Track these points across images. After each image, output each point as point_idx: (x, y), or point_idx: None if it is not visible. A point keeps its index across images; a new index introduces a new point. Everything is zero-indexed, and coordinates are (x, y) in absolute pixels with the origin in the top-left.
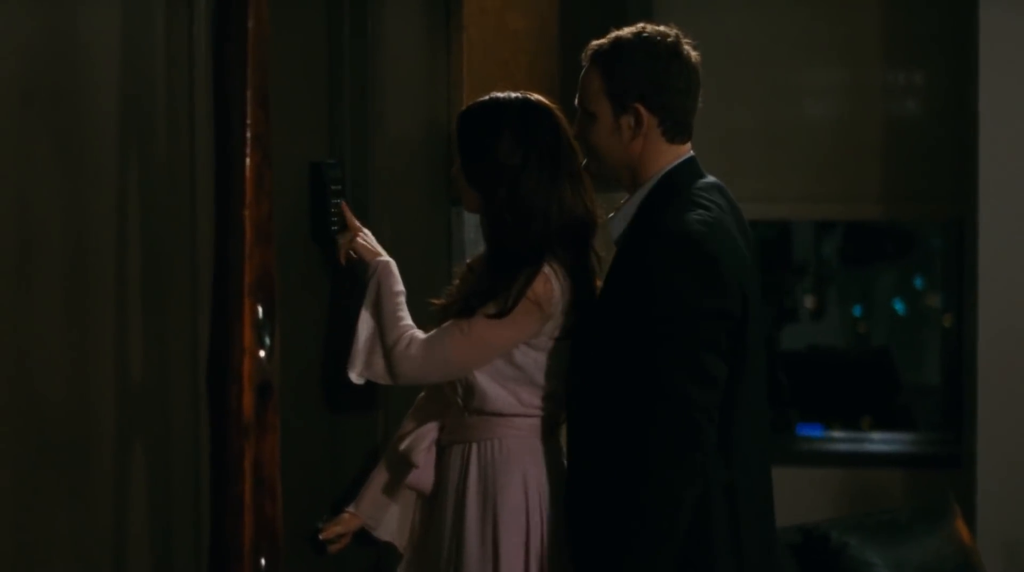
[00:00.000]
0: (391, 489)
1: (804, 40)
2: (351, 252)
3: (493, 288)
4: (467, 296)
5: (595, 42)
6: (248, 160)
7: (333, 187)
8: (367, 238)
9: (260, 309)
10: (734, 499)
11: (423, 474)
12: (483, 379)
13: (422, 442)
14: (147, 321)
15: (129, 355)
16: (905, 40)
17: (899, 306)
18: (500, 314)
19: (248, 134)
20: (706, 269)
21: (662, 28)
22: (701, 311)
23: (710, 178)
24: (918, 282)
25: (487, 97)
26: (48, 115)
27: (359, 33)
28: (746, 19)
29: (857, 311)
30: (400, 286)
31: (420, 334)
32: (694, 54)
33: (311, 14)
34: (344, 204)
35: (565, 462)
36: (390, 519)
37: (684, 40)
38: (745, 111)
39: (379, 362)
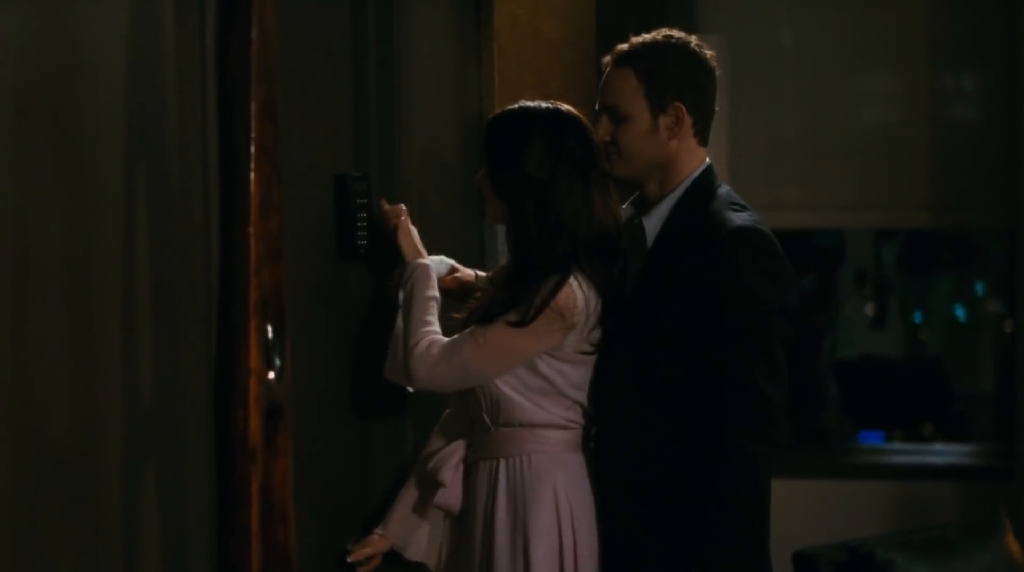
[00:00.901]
0: (420, 509)
1: (852, 46)
2: (396, 243)
3: (516, 297)
4: (489, 304)
5: (622, 45)
6: (253, 174)
7: (359, 201)
8: (413, 236)
9: (269, 329)
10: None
11: (451, 493)
12: (507, 390)
13: (450, 460)
14: (157, 341)
15: (138, 377)
16: (954, 45)
17: (960, 313)
18: (521, 323)
19: (252, 147)
20: (775, 265)
21: (684, 34)
22: (774, 307)
23: (725, 184)
24: (979, 288)
25: (516, 106)
26: (47, 127)
27: (385, 43)
28: (792, 26)
29: (918, 318)
30: (434, 291)
31: (443, 339)
32: (713, 58)
33: (336, 23)
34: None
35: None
36: (420, 539)
37: (709, 51)
38: (792, 118)
39: (399, 363)
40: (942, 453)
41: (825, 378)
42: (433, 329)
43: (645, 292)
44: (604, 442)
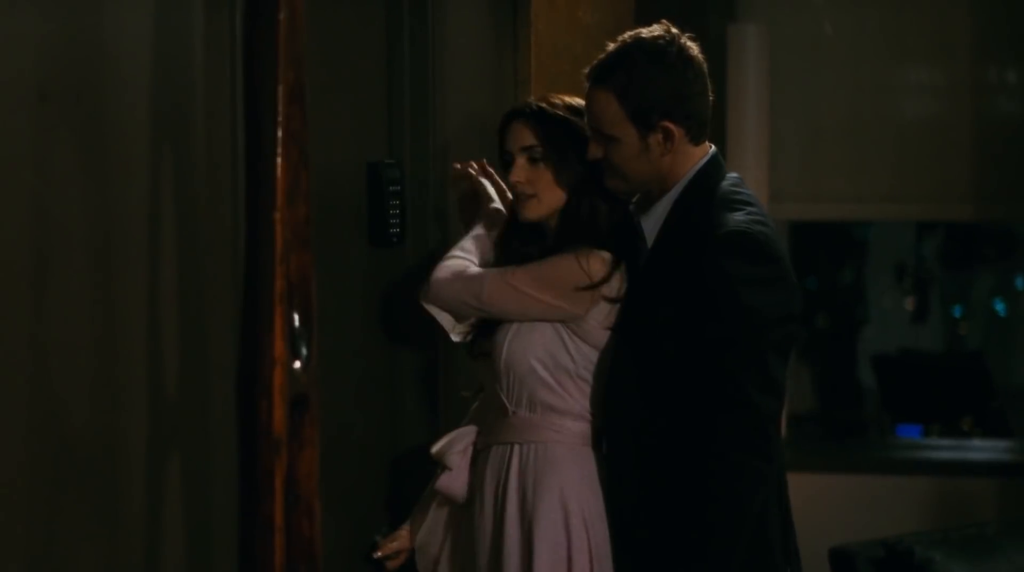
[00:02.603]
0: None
1: (893, 37)
2: (473, 187)
3: (552, 251)
4: (526, 250)
5: (596, 60)
6: (280, 160)
7: (391, 188)
8: (487, 190)
9: (296, 317)
10: (782, 501)
11: (456, 478)
12: (536, 365)
13: (458, 444)
14: (182, 331)
15: (162, 367)
16: (995, 36)
17: (1000, 307)
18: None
19: (280, 132)
20: (773, 270)
21: (660, 30)
22: (770, 314)
23: (731, 174)
24: (1020, 282)
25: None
26: (69, 111)
27: (420, 29)
28: (833, 16)
29: (957, 312)
30: (486, 231)
31: (473, 265)
32: (696, 48)
33: (370, 8)
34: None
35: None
36: None
37: (684, 37)
38: (832, 109)
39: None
40: (981, 449)
41: (864, 372)
42: (470, 256)
43: (644, 293)
44: (611, 440)
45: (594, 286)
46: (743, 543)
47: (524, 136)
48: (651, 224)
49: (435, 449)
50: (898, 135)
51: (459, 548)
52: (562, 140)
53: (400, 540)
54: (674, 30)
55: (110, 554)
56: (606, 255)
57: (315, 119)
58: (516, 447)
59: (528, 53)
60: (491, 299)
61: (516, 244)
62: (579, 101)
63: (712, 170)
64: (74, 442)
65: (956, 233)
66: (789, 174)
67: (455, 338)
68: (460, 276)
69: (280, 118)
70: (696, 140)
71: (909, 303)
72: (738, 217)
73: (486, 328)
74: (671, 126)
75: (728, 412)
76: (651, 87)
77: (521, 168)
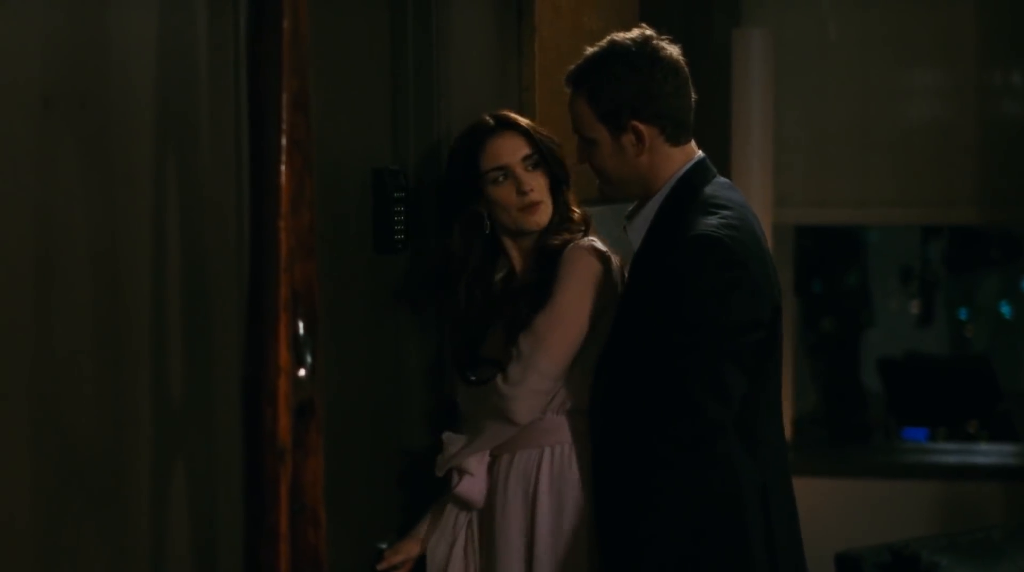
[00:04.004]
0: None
1: (898, 40)
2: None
3: (540, 284)
4: (514, 314)
5: (572, 66)
6: (284, 167)
7: (396, 194)
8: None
9: (300, 325)
10: (767, 502)
11: (475, 484)
12: (574, 367)
13: (472, 452)
14: (187, 338)
15: (167, 374)
16: (1001, 39)
17: (1006, 310)
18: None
19: (284, 140)
20: (735, 277)
21: (634, 33)
22: (728, 322)
23: (721, 178)
24: None
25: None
26: (73, 117)
27: (424, 35)
28: (838, 19)
29: (963, 315)
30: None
31: (499, 382)
32: (673, 50)
33: (374, 15)
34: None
35: None
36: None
37: (659, 39)
38: (837, 113)
39: (500, 415)
40: (988, 453)
41: (869, 376)
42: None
43: (626, 295)
44: (591, 438)
45: (606, 258)
46: (681, 548)
47: (520, 146)
48: (637, 229)
49: (449, 455)
50: (903, 139)
51: (471, 554)
52: (543, 144)
53: (405, 549)
54: (649, 32)
55: (115, 562)
56: (587, 239)
57: (319, 126)
58: (546, 450)
59: (532, 59)
60: (552, 361)
61: (506, 309)
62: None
63: (696, 175)
64: (79, 449)
65: (961, 236)
66: (794, 178)
67: None
68: (518, 385)
69: (284, 126)
70: (674, 141)
71: (914, 306)
72: (709, 221)
73: (486, 360)
74: (640, 126)
75: (675, 418)
76: (618, 87)
77: (528, 177)
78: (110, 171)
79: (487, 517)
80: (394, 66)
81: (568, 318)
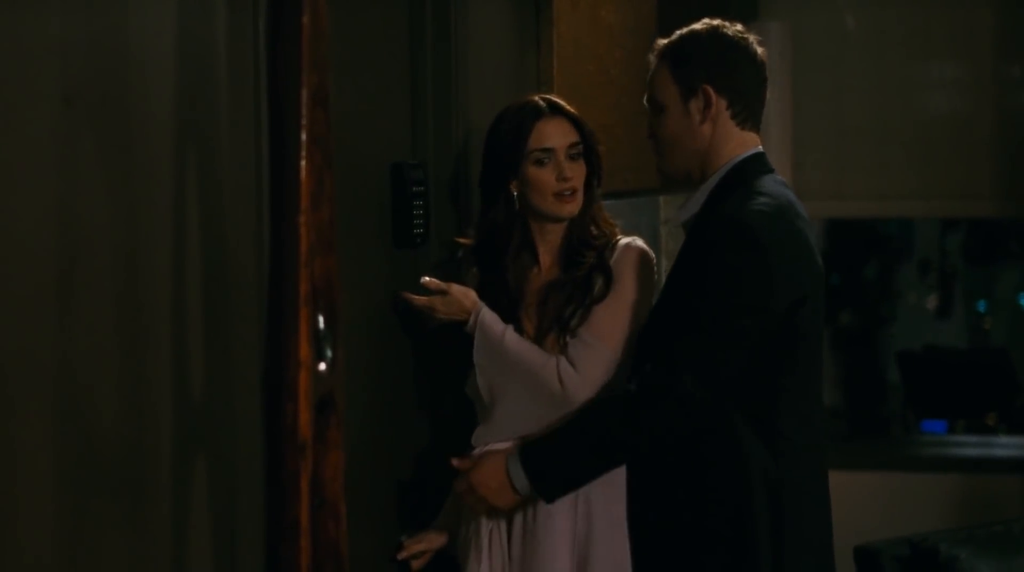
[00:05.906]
0: None
1: (916, 33)
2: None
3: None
4: (561, 309)
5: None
6: (304, 163)
7: (415, 189)
8: (455, 292)
9: (321, 320)
10: (779, 498)
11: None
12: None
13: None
14: (208, 334)
15: (188, 370)
16: (1019, 32)
17: None
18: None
19: (304, 136)
20: (750, 259)
21: (735, 24)
22: (737, 304)
23: (776, 175)
24: None
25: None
26: (94, 115)
27: (442, 30)
28: (856, 12)
29: (982, 307)
30: (500, 325)
31: (564, 360)
32: (761, 51)
33: (393, 10)
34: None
35: None
36: None
37: (755, 38)
38: (856, 107)
39: (555, 395)
40: (1007, 446)
41: (889, 369)
42: (546, 356)
43: (669, 281)
44: None
45: (650, 258)
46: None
47: (569, 132)
48: (686, 211)
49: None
50: (921, 132)
51: (497, 543)
52: (589, 137)
53: (426, 540)
54: (740, 27)
55: (137, 557)
56: (635, 238)
57: (339, 121)
58: None
59: (551, 53)
60: (612, 346)
61: (551, 309)
62: None
63: (750, 164)
64: (100, 445)
65: (980, 229)
66: (813, 172)
67: None
68: (579, 364)
69: (304, 121)
70: (741, 121)
71: (933, 299)
72: (749, 204)
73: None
74: (711, 92)
75: (659, 397)
76: (698, 50)
77: (570, 165)
78: (131, 169)
79: (526, 509)
80: (413, 61)
81: (633, 313)
